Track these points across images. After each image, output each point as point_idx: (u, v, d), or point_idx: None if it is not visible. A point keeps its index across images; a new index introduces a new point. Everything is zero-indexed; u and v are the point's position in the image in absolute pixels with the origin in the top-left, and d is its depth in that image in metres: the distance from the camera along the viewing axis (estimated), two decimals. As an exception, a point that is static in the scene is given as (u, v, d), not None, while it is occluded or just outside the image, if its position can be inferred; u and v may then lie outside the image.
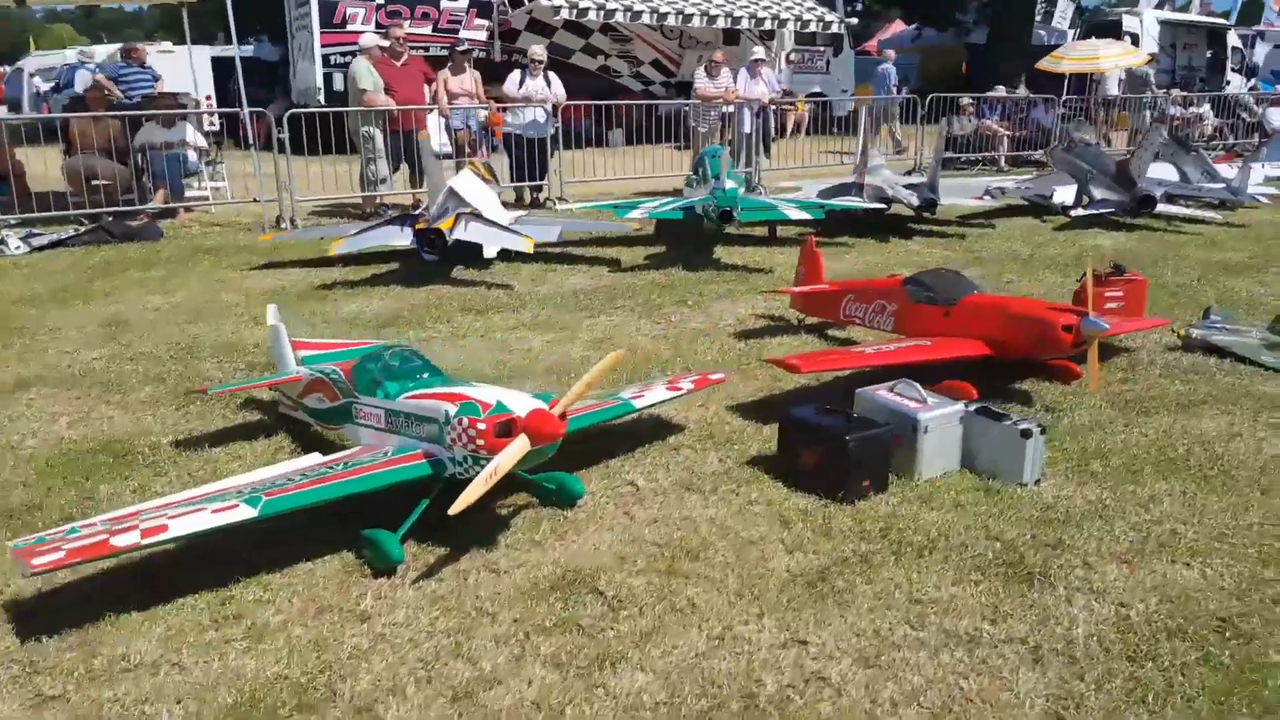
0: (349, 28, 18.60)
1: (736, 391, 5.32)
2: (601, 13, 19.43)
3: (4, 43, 41.29)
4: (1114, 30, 24.52)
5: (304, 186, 11.01)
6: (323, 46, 18.30)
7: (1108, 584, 3.38)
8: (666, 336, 6.51)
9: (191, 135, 11.51)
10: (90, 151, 10.73)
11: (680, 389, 4.52)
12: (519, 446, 3.31)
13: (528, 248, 7.66)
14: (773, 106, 13.83)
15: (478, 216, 7.80)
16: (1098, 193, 10.94)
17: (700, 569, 3.50)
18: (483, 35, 19.95)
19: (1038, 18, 26.36)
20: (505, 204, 10.55)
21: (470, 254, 8.31)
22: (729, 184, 8.53)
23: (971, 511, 3.93)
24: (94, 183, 10.43)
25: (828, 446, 4.03)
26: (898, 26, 37.24)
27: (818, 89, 23.46)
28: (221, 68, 25.95)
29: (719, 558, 3.58)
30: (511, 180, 12.00)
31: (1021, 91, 19.30)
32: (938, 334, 5.53)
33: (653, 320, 6.90)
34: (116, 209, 10.38)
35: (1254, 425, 4.88)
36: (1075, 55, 18.01)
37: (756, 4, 21.28)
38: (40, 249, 9.22)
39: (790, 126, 21.67)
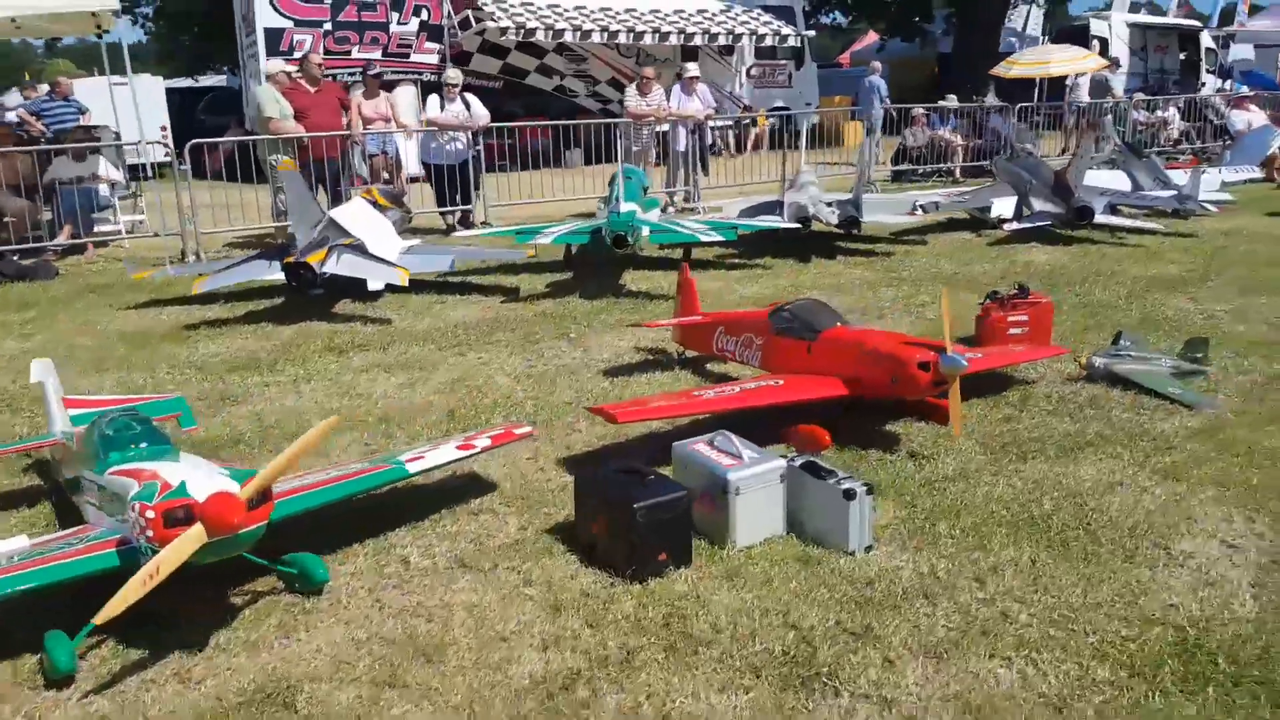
0: (296, 55, 18.10)
1: (573, 441, 4.75)
2: (550, 34, 19.00)
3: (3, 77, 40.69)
4: (1082, 35, 23.99)
5: (219, 219, 10.50)
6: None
7: (903, 689, 2.79)
8: (530, 374, 5.93)
9: (104, 169, 11.00)
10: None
11: (474, 446, 3.93)
12: (189, 539, 2.74)
13: (401, 280, 7.12)
14: (708, 123, 13.26)
15: (354, 248, 7.25)
16: (1036, 204, 10.36)
17: (428, 677, 2.91)
18: (434, 59, 19.50)
19: (1007, 23, 25.81)
20: (413, 230, 10.06)
21: (355, 286, 7.77)
22: (625, 206, 7.96)
23: (780, 590, 3.33)
24: (-2, 220, 9.93)
25: (616, 513, 3.45)
26: (871, 38, 36.79)
27: (780, 103, 22.99)
28: (190, 98, 25.72)
29: (456, 660, 2.99)
30: (437, 207, 11.51)
31: (990, 100, 18.80)
32: (801, 370, 4.96)
33: (523, 356, 6.32)
34: (19, 246, 9.87)
35: (1139, 472, 4.28)
36: (1025, 60, 17.50)
37: (712, 20, 20.82)
38: (-82, 291, 8.70)
39: (750, 142, 21.25)
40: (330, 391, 5.66)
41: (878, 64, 19.27)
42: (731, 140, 21.44)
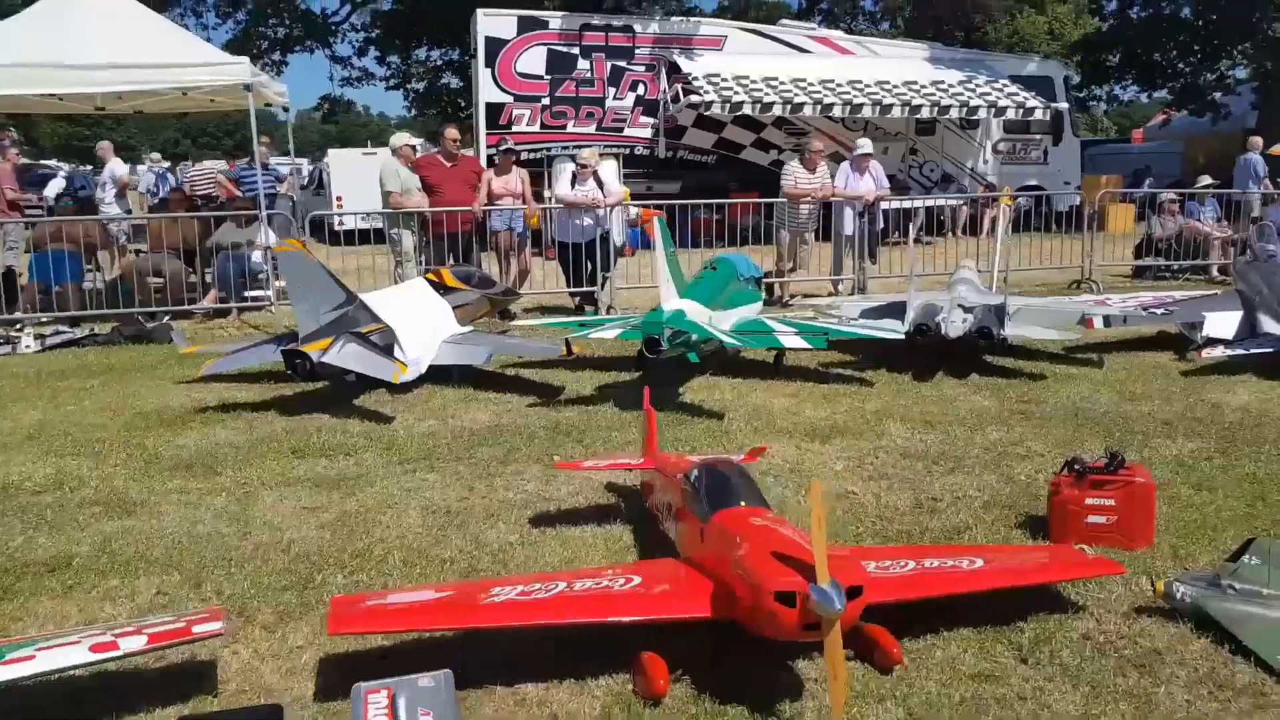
0: (515, 129, 18.47)
1: (289, 639, 3.61)
2: (788, 107, 18.05)
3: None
4: None
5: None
6: (487, 146, 18.18)
7: None
8: (447, 511, 4.89)
9: (265, 236, 11.35)
10: (160, 250, 10.85)
11: (118, 647, 2.92)
12: None
13: (395, 378, 6.37)
14: (880, 205, 11.61)
15: (362, 338, 6.60)
16: (1265, 323, 7.85)
17: None
18: (648, 133, 19.17)
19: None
20: (504, 313, 9.40)
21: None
22: (675, 304, 6.68)
23: None
24: (149, 280, 10.47)
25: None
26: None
27: (1033, 181, 20.42)
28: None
29: None
30: (568, 288, 10.83)
31: None
32: (694, 561, 3.56)
33: (472, 484, 5.29)
34: (170, 309, 10.34)
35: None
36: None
37: (946, 91, 18.90)
38: (51, 348, 9.17)
39: (987, 224, 18.89)
40: (217, 513, 4.93)
41: (1257, 139, 16.36)
42: (963, 221, 19.20)
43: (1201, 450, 5.75)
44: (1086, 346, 8.46)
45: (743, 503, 3.55)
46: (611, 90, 18.90)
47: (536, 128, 18.56)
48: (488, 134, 18.27)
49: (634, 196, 17.66)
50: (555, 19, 18.68)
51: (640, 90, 19.06)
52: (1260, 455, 5.62)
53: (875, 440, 6.02)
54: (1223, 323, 8.15)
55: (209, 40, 23.90)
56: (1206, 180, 14.68)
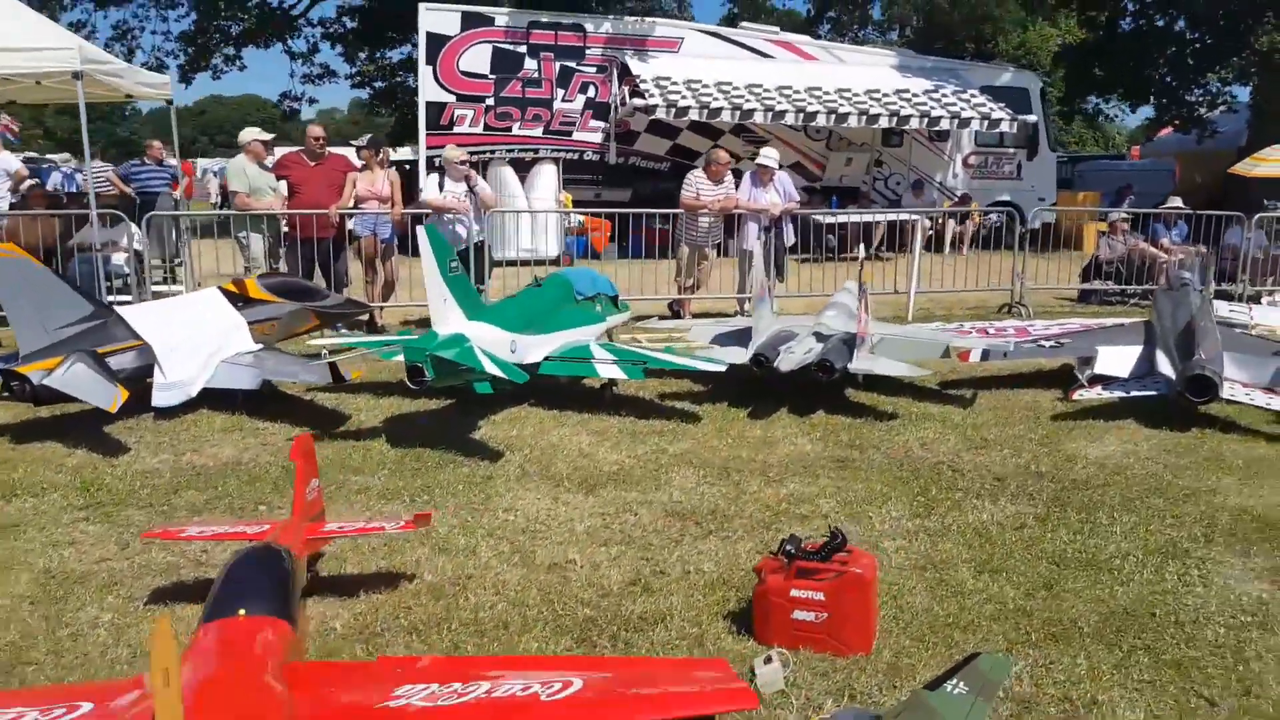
0: (456, 130, 17.69)
1: None
2: (738, 114, 17.17)
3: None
4: None
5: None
6: (427, 148, 17.43)
7: None
8: (74, 575, 4.10)
9: (130, 239, 10.63)
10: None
11: None
12: None
13: (109, 405, 5.59)
14: (785, 217, 10.72)
15: (95, 357, 5.83)
16: (1160, 361, 6.91)
17: None
18: (598, 137, 18.35)
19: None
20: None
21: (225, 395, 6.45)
22: (451, 328, 5.82)
23: None
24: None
25: None
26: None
27: (1005, 197, 19.48)
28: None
29: None
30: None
31: None
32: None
33: (124, 544, 4.47)
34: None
35: None
36: (1277, 157, 12.99)
37: (909, 101, 17.94)
38: None
39: (950, 238, 17.94)
40: None
41: None
42: (927, 236, 18.23)
43: (1019, 516, 4.86)
44: (967, 381, 7.57)
45: (243, 611, 2.73)
46: (560, 91, 18.07)
47: (480, 129, 17.75)
48: (427, 135, 17.50)
49: (582, 204, 16.93)
50: (501, 15, 17.85)
51: (591, 92, 18.21)
52: (1085, 525, 4.73)
53: (650, 492, 5.18)
54: (1117, 358, 7.20)
55: (167, 34, 23.46)
56: (1175, 202, 13.63)
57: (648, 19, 19.26)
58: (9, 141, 13.56)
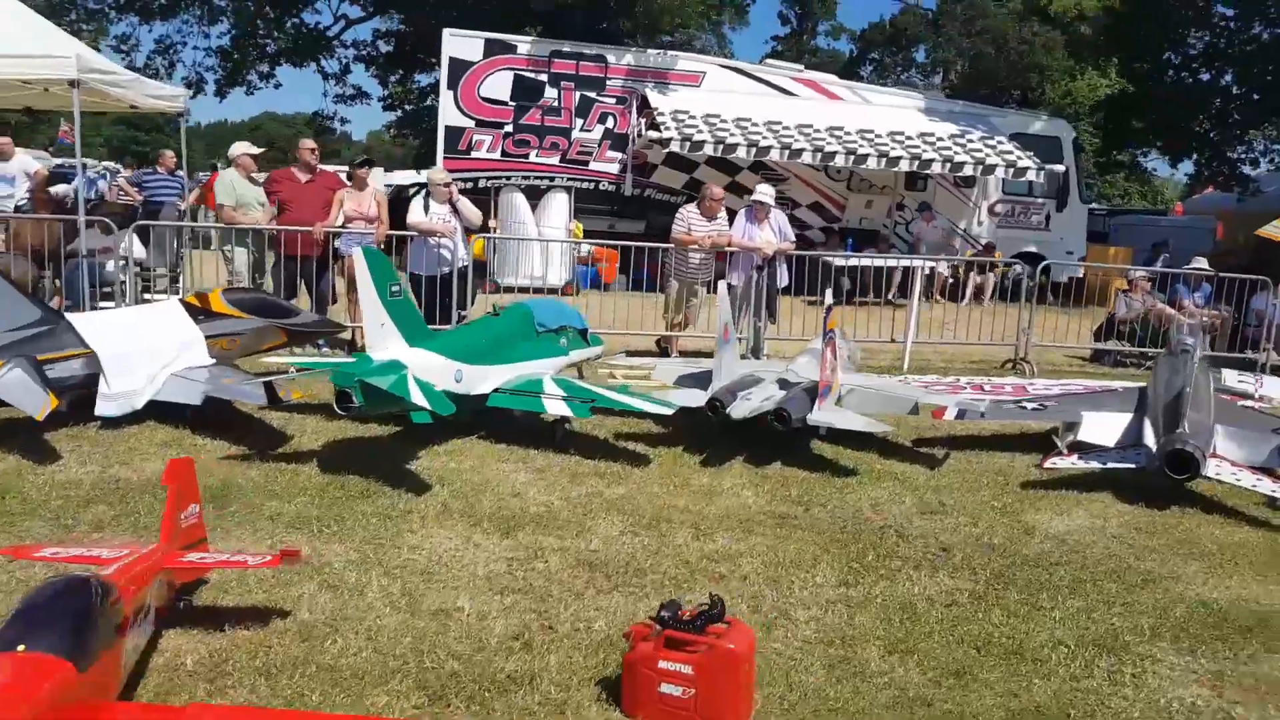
0: (474, 154, 17.75)
1: None
2: (754, 150, 16.99)
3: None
4: None
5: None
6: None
7: None
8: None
9: (128, 247, 10.66)
10: (19, 252, 10.24)
11: None
12: None
13: (37, 413, 5.49)
14: (780, 258, 10.47)
15: (32, 363, 5.74)
16: (1146, 431, 6.53)
17: None
18: (614, 168, 18.28)
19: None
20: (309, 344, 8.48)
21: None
22: (388, 354, 5.66)
23: None
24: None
25: None
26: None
27: (1032, 248, 19.02)
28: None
29: None
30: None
31: None
32: None
33: None
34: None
35: None
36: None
37: (933, 145, 17.65)
38: None
39: (971, 289, 17.51)
40: None
41: None
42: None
43: (953, 592, 4.55)
44: (944, 440, 7.26)
45: (22, 647, 2.54)
46: (579, 121, 18.05)
47: (497, 155, 17.78)
48: (445, 158, 17.53)
49: (596, 235, 16.80)
50: (524, 44, 17.91)
51: (609, 123, 18.18)
52: (1022, 607, 4.40)
53: (570, 538, 4.94)
54: (1102, 426, 6.83)
55: (209, 50, 23.81)
56: (1200, 263, 13.14)
57: (670, 52, 19.14)
58: (65, 147, 13.67)
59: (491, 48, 17.56)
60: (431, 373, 5.84)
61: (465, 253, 9.63)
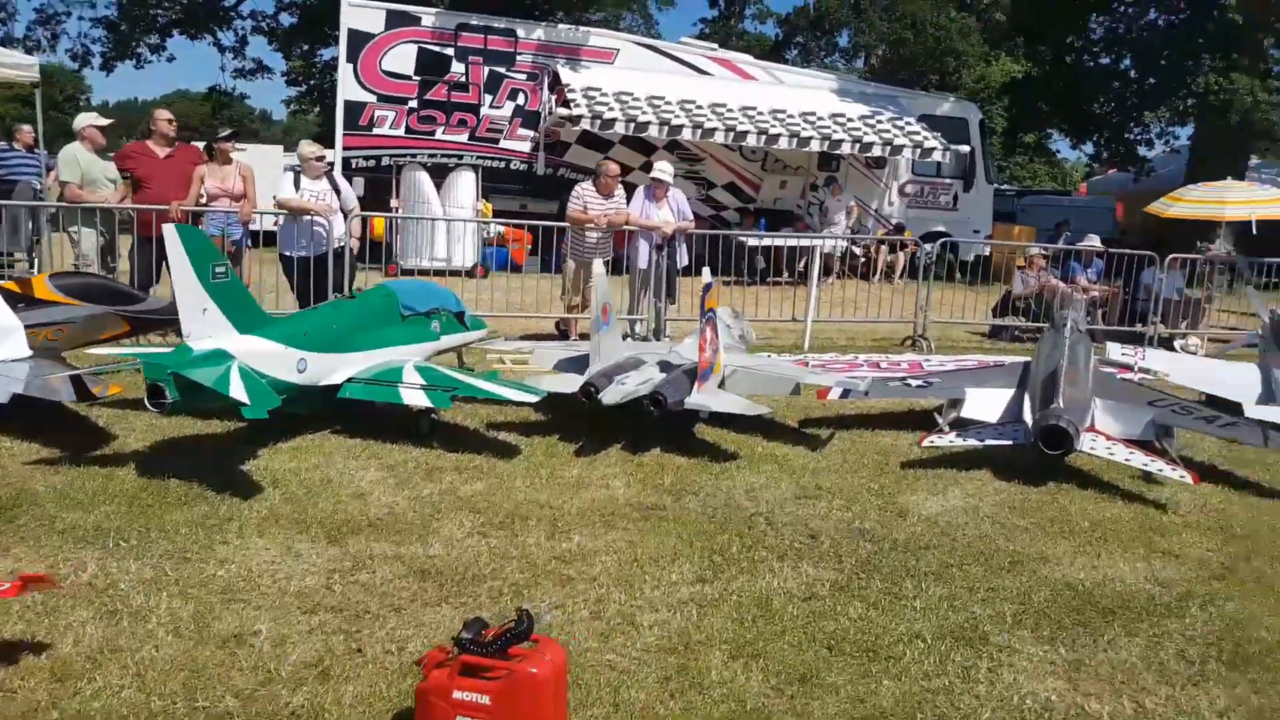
0: (375, 131, 16.99)
1: None
2: (665, 129, 16.54)
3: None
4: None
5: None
6: (344, 149, 16.69)
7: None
8: None
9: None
10: None
11: None
12: None
13: None
14: (679, 237, 10.09)
15: None
16: (1025, 407, 6.32)
17: None
18: (526, 146, 17.68)
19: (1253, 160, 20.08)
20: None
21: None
22: (210, 343, 5.10)
23: None
24: None
25: None
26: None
27: (940, 228, 18.96)
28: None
29: None
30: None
31: (1218, 248, 14.05)
32: None
33: None
34: None
35: None
36: (1193, 197, 12.62)
37: (843, 125, 17.44)
38: None
39: (882, 266, 17.42)
40: None
41: None
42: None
43: (814, 584, 4.22)
44: (832, 420, 6.97)
45: None
46: (488, 97, 17.40)
47: (401, 131, 17.04)
48: (345, 135, 16.77)
49: (507, 215, 16.20)
50: (429, 15, 17.17)
51: (520, 100, 17.56)
52: (884, 598, 4.10)
53: (407, 543, 4.47)
54: (985, 402, 6.60)
55: (95, 21, 22.33)
56: (1091, 239, 13.17)
57: (582, 28, 18.57)
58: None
59: (394, 19, 16.80)
60: (266, 362, 5.31)
61: (343, 232, 9.02)
